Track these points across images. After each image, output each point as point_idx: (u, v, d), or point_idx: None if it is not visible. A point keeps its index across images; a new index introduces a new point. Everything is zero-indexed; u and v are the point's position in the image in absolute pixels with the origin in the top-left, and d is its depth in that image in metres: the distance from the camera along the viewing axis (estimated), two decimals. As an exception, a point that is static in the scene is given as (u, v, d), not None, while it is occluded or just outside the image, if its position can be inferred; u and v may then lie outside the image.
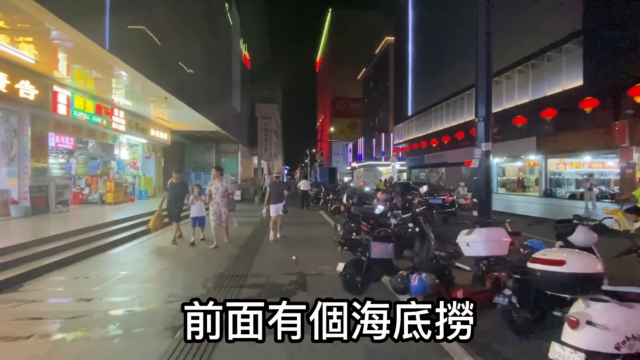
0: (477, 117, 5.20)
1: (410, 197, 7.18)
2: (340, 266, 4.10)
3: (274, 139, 28.58)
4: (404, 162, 43.17)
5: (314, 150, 57.91)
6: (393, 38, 48.13)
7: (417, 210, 4.36)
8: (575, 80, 16.47)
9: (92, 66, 7.98)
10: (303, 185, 15.55)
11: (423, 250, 4.03)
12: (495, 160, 24.59)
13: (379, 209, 6.09)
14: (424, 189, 10.95)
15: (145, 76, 8.31)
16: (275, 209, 8.38)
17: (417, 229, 4.22)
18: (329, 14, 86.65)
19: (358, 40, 74.12)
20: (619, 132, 15.04)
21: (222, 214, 7.76)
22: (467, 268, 3.16)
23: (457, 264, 3.15)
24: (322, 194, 13.53)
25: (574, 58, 16.47)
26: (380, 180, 31.33)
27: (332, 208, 11.60)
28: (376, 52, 57.05)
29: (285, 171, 65.11)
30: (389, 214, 5.65)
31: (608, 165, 20.06)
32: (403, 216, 4.37)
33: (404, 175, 41.13)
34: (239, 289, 4.78)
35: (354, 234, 5.41)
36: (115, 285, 5.10)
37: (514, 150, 21.95)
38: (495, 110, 23.65)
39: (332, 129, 71.67)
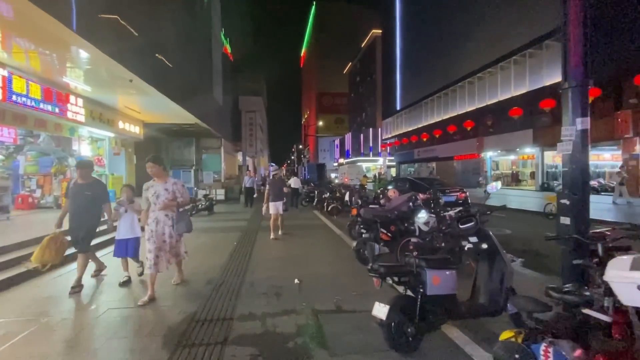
0: (565, 81, 3.64)
1: (433, 198, 5.79)
2: (381, 310, 2.60)
3: (259, 134, 27.06)
4: (392, 157, 42.46)
5: (300, 147, 56.46)
6: (380, 31, 47.19)
7: (480, 217, 3.01)
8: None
9: (39, 41, 6.38)
10: (294, 182, 14.23)
11: (493, 281, 2.82)
12: (489, 154, 24.05)
13: (421, 217, 4.61)
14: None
15: (108, 54, 6.75)
16: (274, 207, 7.76)
17: (483, 246, 2.88)
18: (313, 8, 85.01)
19: (343, 34, 73.00)
20: (622, 123, 14.49)
21: (168, 237, 4.33)
22: (606, 319, 1.87)
23: (588, 311, 1.88)
24: (315, 192, 12.19)
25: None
26: (365, 176, 30.28)
27: (329, 208, 10.25)
28: (362, 45, 56.01)
29: (272, 168, 63.39)
30: (423, 218, 4.34)
31: (603, 158, 19.77)
32: (463, 226, 2.99)
33: (393, 171, 40.39)
34: (219, 350, 2.92)
35: (376, 247, 4.19)
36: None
37: (509, 143, 21.33)
38: (490, 102, 23.18)
39: (318, 124, 70.39)
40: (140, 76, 8.26)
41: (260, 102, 28.51)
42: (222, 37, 23.43)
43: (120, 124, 11.84)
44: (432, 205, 5.53)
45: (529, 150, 20.24)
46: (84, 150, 10.59)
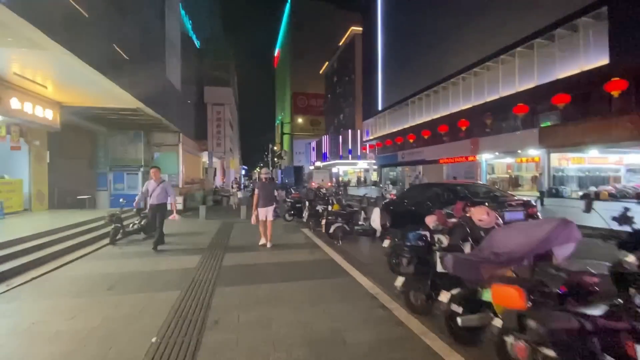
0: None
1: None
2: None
3: (228, 132, 23.34)
4: (372, 161, 40.16)
5: (275, 148, 52.83)
6: (359, 28, 45.04)
7: None
8: (596, 60, 13.87)
9: None
10: None
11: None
12: (485, 157, 22.05)
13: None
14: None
15: None
16: (264, 213, 7.01)
17: None
18: (288, 5, 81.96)
19: (319, 33, 70.51)
20: (653, 119, 12.66)
21: None
22: None
23: None
24: (306, 203, 8.68)
25: (596, 34, 13.89)
26: (333, 180, 28.22)
27: (330, 229, 6.74)
28: (340, 43, 53.68)
29: (243, 171, 59.10)
30: None
31: (612, 161, 18.25)
32: None
33: (374, 175, 37.98)
34: None
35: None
36: None
37: (510, 144, 19.32)
38: (489, 98, 21.18)
39: (293, 126, 67.08)
40: (18, 11, 4.73)
41: (230, 94, 24.73)
42: (184, 16, 19.69)
43: (14, 103, 7.97)
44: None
45: (533, 152, 18.28)
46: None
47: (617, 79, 12.41)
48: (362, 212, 7.08)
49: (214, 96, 22.08)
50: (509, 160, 22.14)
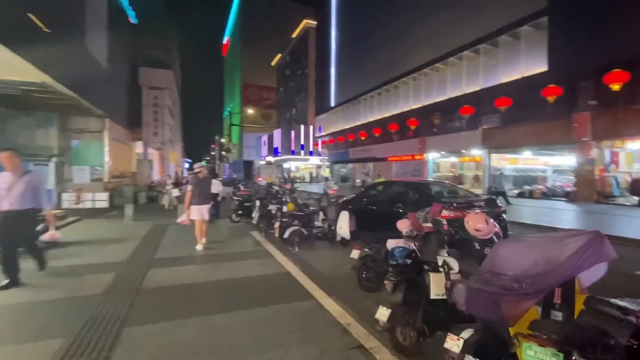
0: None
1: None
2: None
3: (168, 120, 20.88)
4: (325, 157, 39.88)
5: (222, 140, 49.75)
6: (313, 22, 44.28)
7: None
8: (535, 67, 14.83)
9: None
10: (213, 186, 9.52)
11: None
12: (431, 156, 22.83)
13: None
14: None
15: None
16: (199, 212, 6.19)
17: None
18: (239, -8, 77.94)
19: (271, 24, 68.22)
20: (580, 125, 13.86)
21: None
22: None
23: None
24: (256, 203, 7.52)
25: (536, 42, 14.82)
26: (279, 176, 27.54)
27: (286, 235, 5.67)
28: (293, 36, 52.36)
29: (187, 165, 54.90)
30: None
31: (543, 162, 19.93)
32: None
33: (327, 172, 37.70)
34: None
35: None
36: None
37: (455, 144, 20.16)
38: (438, 99, 21.87)
39: (243, 118, 64.10)
40: None
41: (171, 78, 22.15)
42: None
43: None
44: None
45: (476, 152, 19.24)
46: None
47: (553, 85, 13.31)
48: (321, 213, 6.26)
49: (151, 79, 19.50)
50: (453, 159, 23.20)
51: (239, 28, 76.41)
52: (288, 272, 4.64)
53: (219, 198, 10.20)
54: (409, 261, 2.38)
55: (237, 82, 76.45)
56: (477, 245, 2.54)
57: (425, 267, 2.34)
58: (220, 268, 4.93)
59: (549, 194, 16.08)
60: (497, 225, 2.49)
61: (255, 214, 7.43)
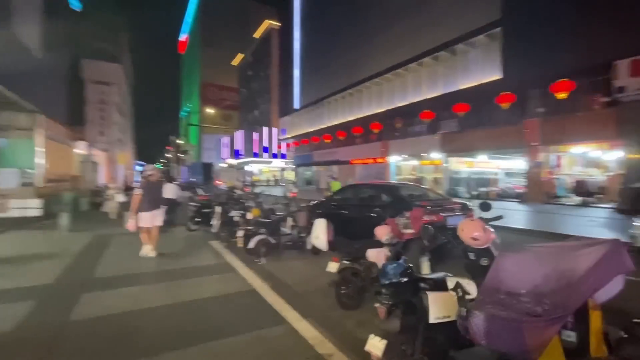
0: None
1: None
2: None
3: (116, 119, 18.99)
4: (290, 160, 39.26)
5: (179, 141, 46.99)
6: (275, 22, 43.63)
7: None
8: (490, 74, 15.64)
9: None
10: (167, 191, 8.61)
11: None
12: (393, 159, 23.28)
13: None
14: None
15: None
16: (149, 218, 5.65)
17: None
18: (198, -12, 74.78)
19: (232, 22, 66.30)
20: (530, 131, 14.81)
21: None
22: None
23: None
24: (216, 210, 6.74)
25: (491, 51, 15.64)
26: (239, 179, 27.10)
27: (251, 245, 5.01)
28: (256, 36, 51.16)
29: (139, 168, 51.10)
30: None
31: (496, 166, 21.13)
32: None
33: (292, 175, 37.09)
34: None
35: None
36: None
37: (416, 147, 20.71)
38: (400, 104, 22.36)
39: (203, 119, 61.29)
40: None
41: (120, 73, 20.18)
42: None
43: None
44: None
45: (436, 155, 19.89)
46: None
47: (506, 93, 14.07)
48: (289, 219, 5.74)
49: (97, 72, 17.55)
50: (414, 162, 23.86)
51: (198, 26, 73.38)
52: (254, 290, 4.01)
53: (191, 205, 9.28)
54: (404, 279, 2.02)
55: (195, 81, 73.13)
56: (471, 256, 2.25)
57: (422, 285, 1.99)
58: (173, 288, 4.20)
59: (503, 196, 17.00)
60: (493, 233, 2.23)
61: (215, 222, 6.72)
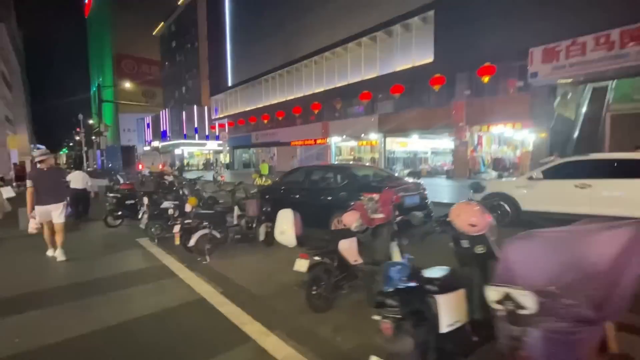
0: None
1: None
2: None
3: (3, 92, 15.19)
4: (225, 141, 36.90)
5: (90, 122, 40.53)
6: (202, -11, 39.43)
7: None
8: (424, 57, 16.24)
9: None
10: (76, 180, 7.17)
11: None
12: (334, 140, 23.36)
13: None
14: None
15: None
16: (46, 213, 4.75)
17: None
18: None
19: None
20: (457, 112, 15.96)
21: None
22: None
23: None
24: (144, 200, 5.58)
25: (424, 34, 16.16)
26: (169, 164, 25.61)
27: (192, 242, 4.14)
28: (179, 3, 45.70)
29: (36, 152, 43.03)
30: None
31: (425, 145, 22.58)
32: None
33: (227, 157, 34.98)
34: None
35: None
36: None
37: (355, 128, 21.00)
38: (339, 84, 22.17)
39: (119, 96, 53.66)
40: None
41: (3, 32, 16.04)
42: None
43: None
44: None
45: (374, 136, 20.44)
46: None
47: (438, 75, 14.81)
48: (236, 208, 5.04)
49: (-36, 32, 13.53)
50: (352, 143, 24.28)
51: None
52: (202, 299, 3.24)
53: (92, 195, 7.74)
54: (413, 284, 1.65)
55: (107, 51, 63.32)
56: (465, 244, 2.02)
57: (429, 287, 1.68)
58: (92, 308, 3.19)
59: (433, 173, 18.31)
60: (490, 217, 2.03)
61: (143, 215, 5.66)
